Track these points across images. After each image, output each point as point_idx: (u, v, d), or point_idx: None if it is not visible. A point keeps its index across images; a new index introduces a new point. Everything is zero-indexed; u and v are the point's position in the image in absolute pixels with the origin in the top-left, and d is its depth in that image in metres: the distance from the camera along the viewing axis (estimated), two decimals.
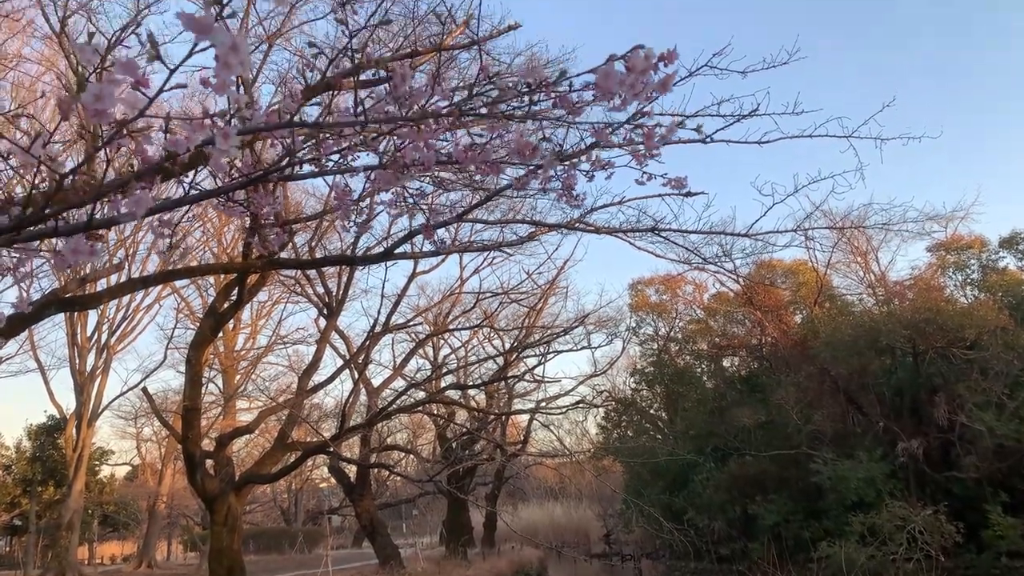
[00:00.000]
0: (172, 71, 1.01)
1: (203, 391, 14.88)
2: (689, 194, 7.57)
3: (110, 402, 23.86)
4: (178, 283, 22.06)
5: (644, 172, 2.97)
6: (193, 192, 1.93)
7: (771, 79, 6.13)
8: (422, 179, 2.92)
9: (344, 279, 16.10)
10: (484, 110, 1.78)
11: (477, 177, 3.43)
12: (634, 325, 29.17)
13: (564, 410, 23.72)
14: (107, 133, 0.93)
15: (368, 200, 3.01)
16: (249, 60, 0.92)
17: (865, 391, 19.93)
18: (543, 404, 23.29)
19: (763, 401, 22.51)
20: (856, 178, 6.82)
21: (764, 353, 25.12)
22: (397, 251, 7.70)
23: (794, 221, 8.99)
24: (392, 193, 2.93)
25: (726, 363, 27.88)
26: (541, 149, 2.17)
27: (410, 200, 3.02)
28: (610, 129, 1.90)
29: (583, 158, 2.93)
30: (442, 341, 24.76)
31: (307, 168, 2.40)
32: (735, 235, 7.42)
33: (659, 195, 7.45)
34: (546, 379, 23.52)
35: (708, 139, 2.20)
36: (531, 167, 2.82)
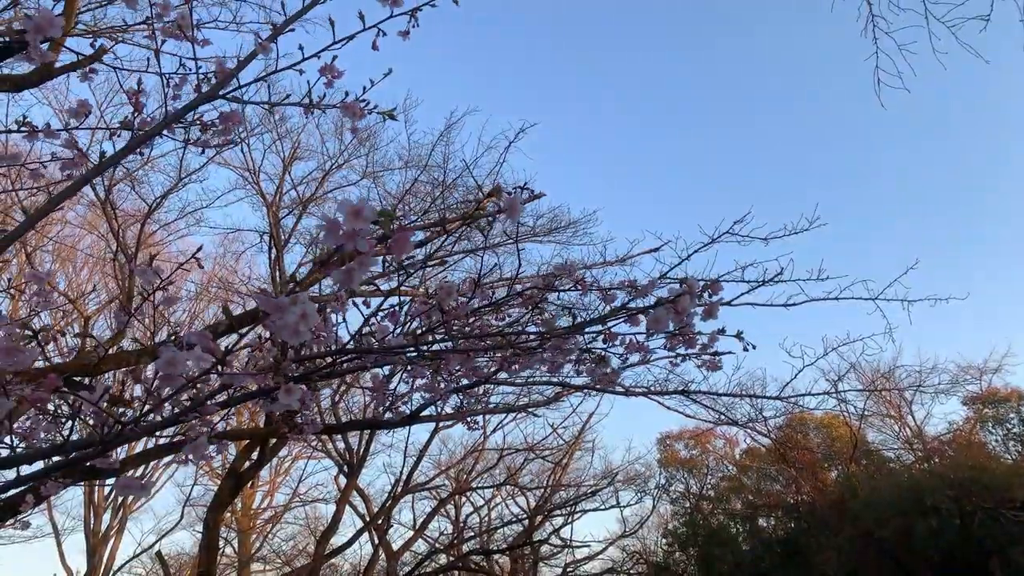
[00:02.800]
0: (227, 352, 1.03)
1: (219, 555, 14.36)
2: (716, 355, 7.47)
3: (121, 565, 23.04)
4: None
5: (678, 355, 2.97)
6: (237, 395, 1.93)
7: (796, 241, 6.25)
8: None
9: (366, 437, 15.89)
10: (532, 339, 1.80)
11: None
12: (663, 482, 28.17)
13: None
14: (167, 384, 0.95)
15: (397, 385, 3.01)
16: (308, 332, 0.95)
17: (913, 555, 18.74)
18: (571, 570, 22.14)
19: (804, 566, 21.19)
20: (886, 339, 6.77)
21: (801, 513, 23.99)
22: (422, 415, 7.63)
23: (824, 376, 8.83)
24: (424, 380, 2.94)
25: (762, 522, 26.59)
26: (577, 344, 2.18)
27: (444, 385, 3.02)
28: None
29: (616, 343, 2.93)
30: (464, 499, 23.99)
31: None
32: (767, 398, 7.29)
33: (684, 355, 7.41)
34: (574, 543, 22.43)
35: (743, 339, 2.19)
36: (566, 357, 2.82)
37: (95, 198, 11.78)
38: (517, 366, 2.70)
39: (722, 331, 1.95)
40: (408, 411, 7.43)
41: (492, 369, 2.39)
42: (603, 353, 1.81)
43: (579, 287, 1.87)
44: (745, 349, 2.63)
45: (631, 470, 23.61)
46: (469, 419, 3.42)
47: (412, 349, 1.79)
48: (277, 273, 12.17)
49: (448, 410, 9.68)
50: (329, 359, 2.03)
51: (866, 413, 20.68)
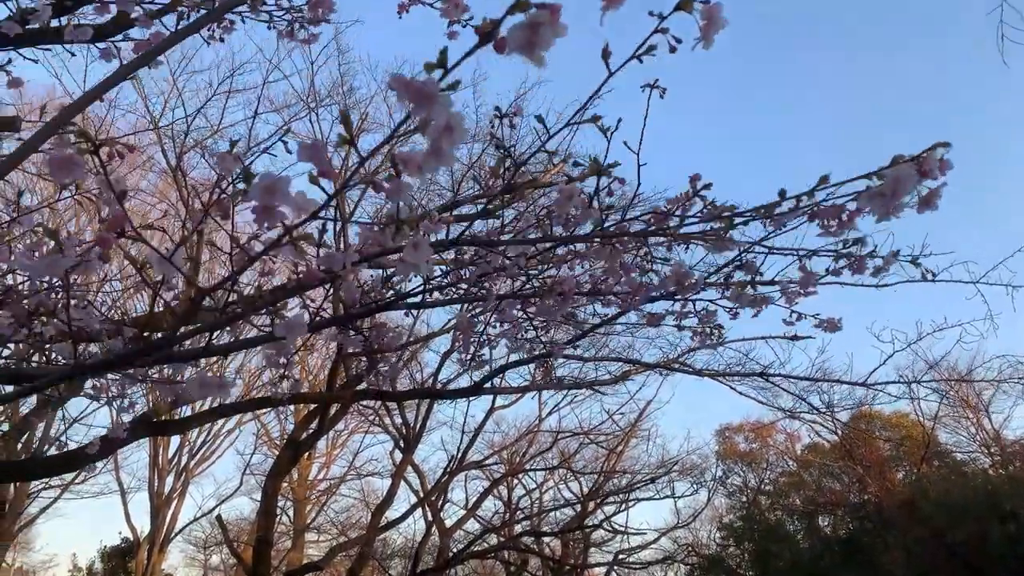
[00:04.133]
0: (362, 159, 0.81)
1: (276, 523, 14.55)
2: (796, 338, 7.01)
3: (183, 527, 23.70)
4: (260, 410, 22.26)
5: (793, 311, 2.66)
6: (319, 318, 1.72)
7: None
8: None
9: (423, 411, 15.86)
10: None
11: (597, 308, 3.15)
12: (721, 474, 27.53)
13: (645, 565, 22.13)
14: (266, 220, 0.74)
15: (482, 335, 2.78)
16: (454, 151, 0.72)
17: (989, 560, 17.86)
18: (622, 556, 21.84)
19: (867, 566, 20.43)
20: (987, 327, 6.27)
21: (867, 512, 23.14)
22: (485, 386, 7.44)
23: (898, 373, 8.32)
24: (509, 326, 2.70)
25: (822, 521, 25.76)
26: (699, 279, 1.90)
27: (529, 334, 2.78)
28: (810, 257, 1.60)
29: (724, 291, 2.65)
30: (516, 481, 23.88)
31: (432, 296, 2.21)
32: (850, 383, 6.85)
33: (763, 337, 7.06)
34: (628, 530, 22.11)
35: (919, 264, 1.88)
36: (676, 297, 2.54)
37: (167, 166, 11.95)
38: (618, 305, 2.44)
39: (896, 255, 1.64)
40: (475, 378, 7.24)
41: (606, 313, 2.13)
42: (753, 264, 1.53)
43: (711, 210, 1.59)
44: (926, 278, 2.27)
45: (688, 461, 23.11)
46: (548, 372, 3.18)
47: (555, 240, 1.54)
48: (342, 245, 12.16)
49: (513, 383, 9.49)
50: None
51: (940, 412, 19.77)
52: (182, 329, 1.17)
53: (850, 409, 8.36)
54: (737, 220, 1.18)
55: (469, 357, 2.67)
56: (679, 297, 2.57)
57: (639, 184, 1.55)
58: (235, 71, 10.98)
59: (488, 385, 7.44)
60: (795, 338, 7.22)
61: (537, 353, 2.86)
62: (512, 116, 1.56)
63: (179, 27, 1.52)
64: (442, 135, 0.69)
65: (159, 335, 1.24)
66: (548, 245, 1.43)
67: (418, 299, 2.06)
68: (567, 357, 7.56)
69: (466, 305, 2.53)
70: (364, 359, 9.57)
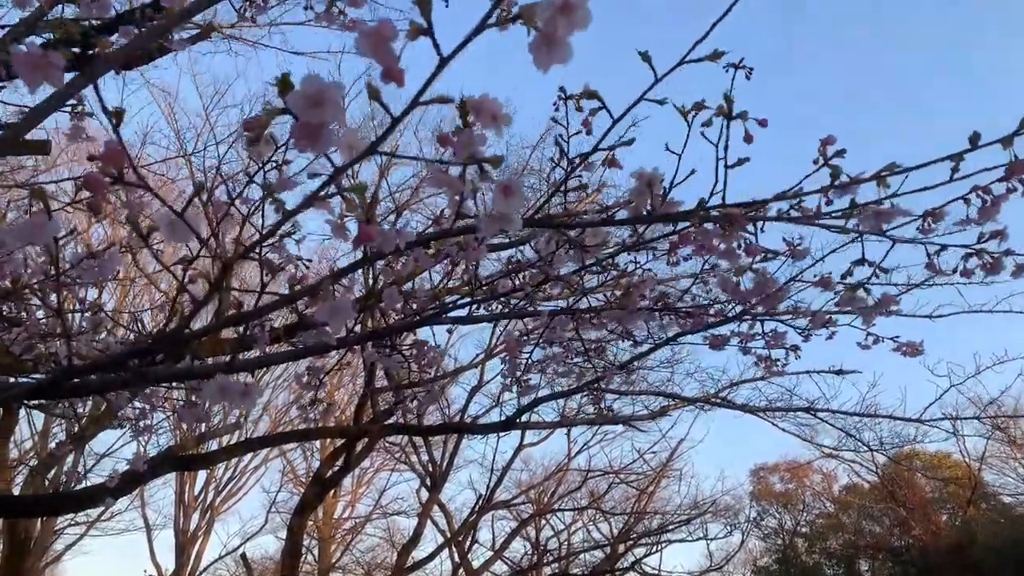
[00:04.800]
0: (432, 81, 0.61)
1: (301, 562, 14.27)
2: (842, 372, 6.66)
3: (208, 565, 23.41)
4: (286, 445, 22.09)
5: (869, 334, 2.42)
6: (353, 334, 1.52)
7: None
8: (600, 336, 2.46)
9: (450, 448, 15.54)
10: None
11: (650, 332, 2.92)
12: (755, 516, 26.69)
13: None
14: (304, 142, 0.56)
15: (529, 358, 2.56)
16: None
17: None
18: None
19: None
20: None
21: (912, 556, 22.22)
22: (518, 420, 7.19)
23: (941, 411, 7.92)
24: (560, 348, 2.48)
25: (862, 565, 24.79)
26: (786, 288, 1.67)
27: (580, 359, 2.56)
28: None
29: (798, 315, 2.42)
30: (544, 521, 23.31)
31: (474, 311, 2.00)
32: (904, 419, 6.50)
33: (808, 372, 6.75)
34: (660, 573, 21.44)
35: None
36: (746, 315, 2.31)
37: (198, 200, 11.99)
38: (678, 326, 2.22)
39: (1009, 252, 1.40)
40: (507, 413, 6.99)
41: (665, 334, 1.92)
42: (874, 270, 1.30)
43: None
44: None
45: (721, 501, 22.42)
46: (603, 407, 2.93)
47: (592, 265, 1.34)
48: (370, 280, 12.06)
49: (544, 419, 9.20)
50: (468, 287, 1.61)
51: (987, 454, 19.03)
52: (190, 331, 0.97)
53: (900, 447, 7.95)
54: (885, 193, 0.97)
55: (514, 381, 2.46)
56: (755, 315, 2.33)
57: (720, 183, 1.33)
58: (267, 102, 11.04)
59: (521, 420, 7.20)
60: (841, 372, 6.86)
61: (587, 380, 2.64)
62: (581, 98, 1.36)
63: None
64: (557, 14, 0.50)
65: (175, 341, 1.06)
66: (638, 228, 1.22)
67: (464, 312, 1.86)
68: (604, 391, 7.29)
69: (514, 322, 2.33)
70: (392, 393, 9.37)
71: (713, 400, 7.10)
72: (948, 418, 6.93)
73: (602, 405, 2.83)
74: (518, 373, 2.37)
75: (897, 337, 2.44)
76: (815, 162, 0.95)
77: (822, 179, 0.95)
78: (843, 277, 1.34)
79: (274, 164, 1.31)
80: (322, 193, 0.63)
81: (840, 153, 0.93)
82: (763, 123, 0.94)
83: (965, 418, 6.86)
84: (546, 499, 21.33)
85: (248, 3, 1.60)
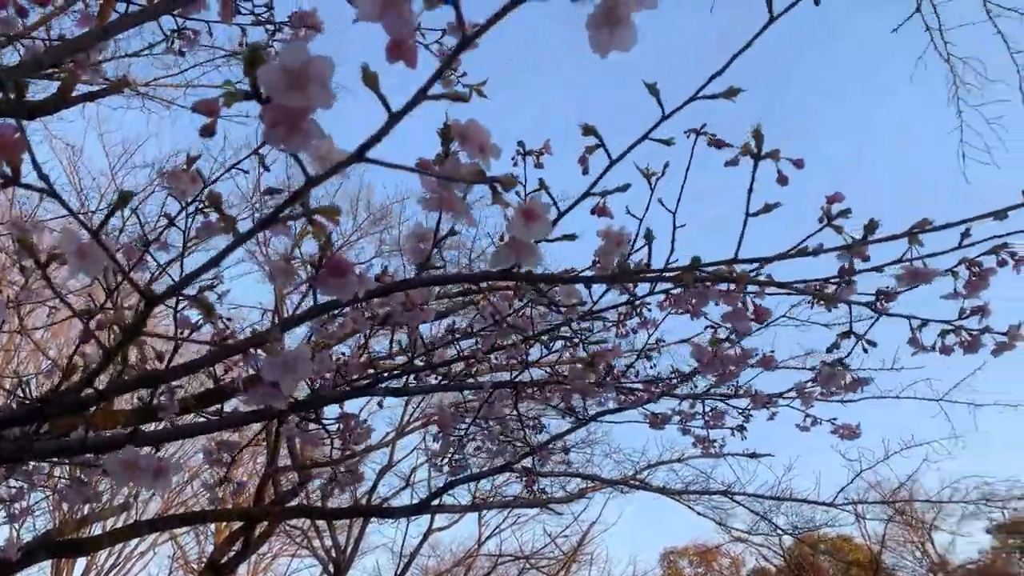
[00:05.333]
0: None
1: None
2: (756, 455, 6.72)
3: None
4: (178, 528, 20.55)
5: (808, 415, 2.40)
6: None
7: None
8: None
9: (356, 532, 14.78)
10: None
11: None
12: None
13: None
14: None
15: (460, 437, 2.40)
16: None
17: None
18: None
19: None
20: (954, 445, 6.15)
21: None
22: (434, 503, 6.89)
23: (842, 493, 8.08)
24: (497, 424, 2.34)
25: None
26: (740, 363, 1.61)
27: (513, 437, 2.41)
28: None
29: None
30: None
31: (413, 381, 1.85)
32: (818, 503, 6.57)
33: (723, 454, 6.78)
34: None
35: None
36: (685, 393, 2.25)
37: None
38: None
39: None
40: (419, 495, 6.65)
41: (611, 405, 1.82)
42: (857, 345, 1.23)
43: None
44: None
45: None
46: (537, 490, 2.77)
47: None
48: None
49: (461, 501, 8.87)
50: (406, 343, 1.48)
51: (887, 537, 19.56)
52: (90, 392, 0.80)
53: (811, 530, 8.01)
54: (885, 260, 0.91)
55: (445, 461, 2.29)
56: (696, 395, 2.27)
57: (672, 249, 1.25)
58: (179, 164, 10.58)
59: (436, 503, 6.90)
60: (755, 455, 6.92)
61: (517, 458, 2.50)
62: (540, 154, 1.28)
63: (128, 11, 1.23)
64: None
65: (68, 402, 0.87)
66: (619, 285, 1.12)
67: (400, 383, 1.71)
68: (537, 474, 7.12)
69: (441, 394, 2.18)
70: (297, 473, 8.90)
71: (631, 482, 7.02)
72: (856, 503, 7.05)
73: (535, 488, 2.67)
74: (450, 451, 2.21)
75: (835, 419, 2.42)
76: (820, 220, 0.89)
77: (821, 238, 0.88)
78: (829, 350, 1.28)
79: (199, 205, 1.16)
80: (286, 212, 0.50)
81: (845, 213, 0.88)
82: (799, 163, 0.87)
83: (873, 502, 7.00)
84: None
85: (177, 34, 1.48)
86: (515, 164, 1.28)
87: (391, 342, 1.55)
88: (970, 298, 1.02)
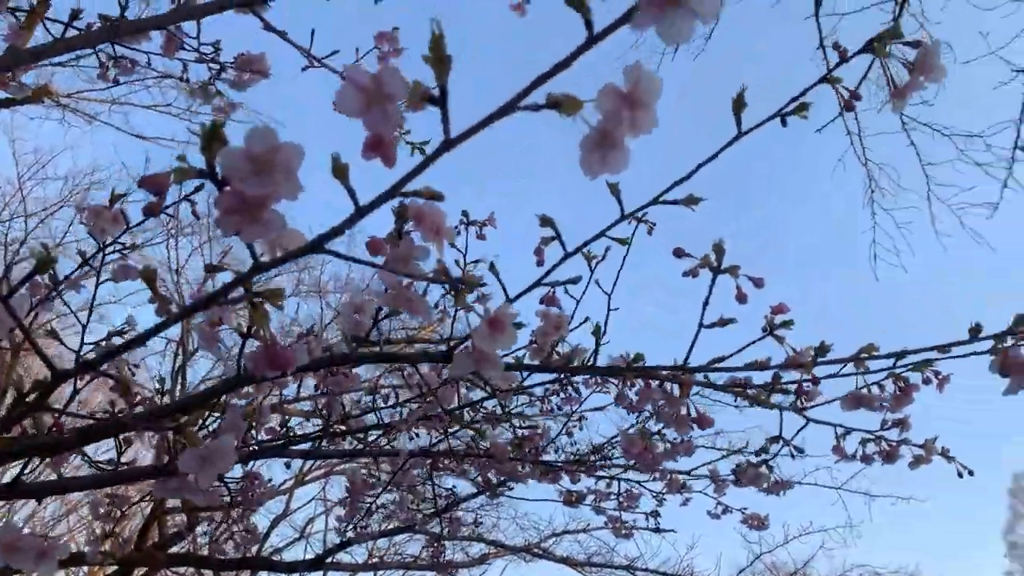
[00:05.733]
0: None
1: None
2: (660, 531, 6.75)
3: None
4: None
5: (719, 503, 2.41)
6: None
7: None
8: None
9: None
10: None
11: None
12: None
13: None
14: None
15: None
16: None
17: None
18: None
19: None
20: (852, 534, 6.34)
21: None
22: (328, 560, 6.60)
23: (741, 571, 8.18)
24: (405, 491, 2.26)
25: None
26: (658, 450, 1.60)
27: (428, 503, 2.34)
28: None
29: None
30: None
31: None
32: None
33: (627, 527, 6.79)
34: None
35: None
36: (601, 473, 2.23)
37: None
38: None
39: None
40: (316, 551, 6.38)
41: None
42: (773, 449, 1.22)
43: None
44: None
45: None
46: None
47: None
48: (179, 383, 11.04)
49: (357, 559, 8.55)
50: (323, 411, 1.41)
51: None
52: None
53: None
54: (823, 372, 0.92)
55: (350, 525, 2.19)
56: (613, 475, 2.25)
57: (604, 331, 1.25)
58: (95, 180, 10.04)
59: (331, 559, 6.62)
60: (659, 530, 6.91)
61: (429, 525, 2.42)
62: (484, 224, 1.27)
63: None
64: (621, 107, 0.38)
65: None
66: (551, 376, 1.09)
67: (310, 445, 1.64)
68: (446, 538, 6.93)
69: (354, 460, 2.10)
70: (186, 516, 8.41)
71: (535, 550, 6.91)
72: None
73: (437, 551, 2.58)
74: (357, 518, 2.12)
75: (745, 509, 2.44)
76: (763, 330, 0.89)
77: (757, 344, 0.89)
78: (757, 453, 1.29)
79: (119, 248, 1.08)
80: (230, 296, 0.46)
81: (788, 324, 0.89)
82: (759, 282, 0.87)
83: None
84: None
85: (114, 62, 1.40)
86: (458, 233, 1.26)
87: (313, 409, 1.48)
88: (894, 411, 1.05)
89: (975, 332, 0.81)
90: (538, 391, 1.76)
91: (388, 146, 0.41)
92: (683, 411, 0.93)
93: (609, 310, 1.11)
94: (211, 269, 0.60)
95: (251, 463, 1.66)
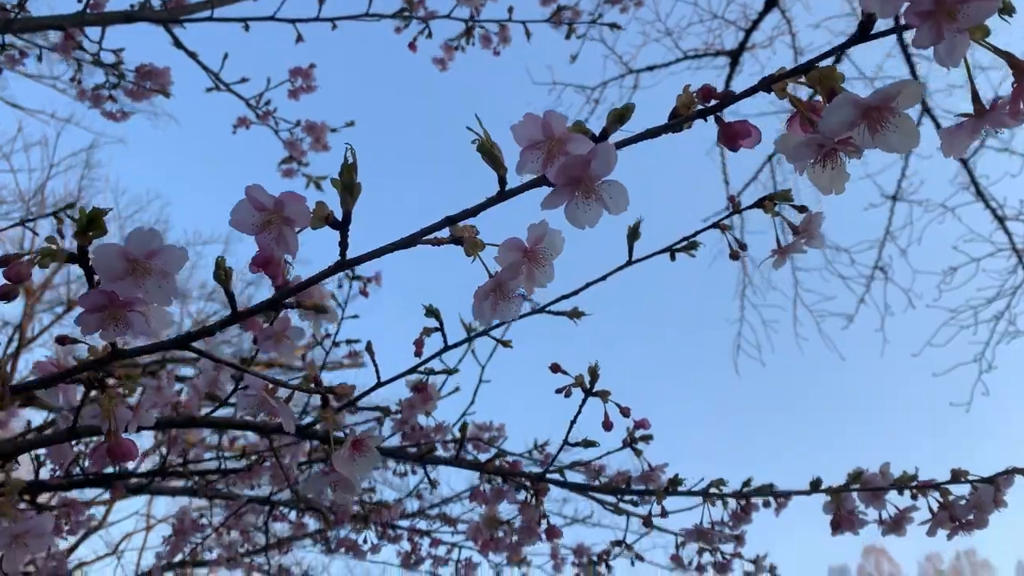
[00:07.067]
0: None
1: None
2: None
3: None
4: None
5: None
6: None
7: None
8: None
9: None
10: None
11: None
12: None
13: None
14: None
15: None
16: None
17: None
18: None
19: None
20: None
21: None
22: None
23: None
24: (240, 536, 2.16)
25: None
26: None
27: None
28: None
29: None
30: None
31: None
32: None
33: None
34: None
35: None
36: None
37: None
38: None
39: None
40: None
41: None
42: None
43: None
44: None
45: None
46: None
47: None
48: (9, 369, 10.05)
49: None
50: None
51: None
52: None
53: None
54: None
55: (170, 565, 2.07)
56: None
57: (471, 408, 1.29)
58: None
59: None
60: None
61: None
62: (367, 282, 1.27)
63: None
64: (521, 260, 0.40)
65: None
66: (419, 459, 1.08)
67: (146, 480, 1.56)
68: None
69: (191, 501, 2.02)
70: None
71: None
72: None
73: None
74: (179, 556, 2.00)
75: None
76: (624, 441, 0.94)
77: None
78: (600, 558, 1.33)
79: None
80: (78, 376, 0.44)
81: (647, 438, 0.94)
82: (626, 411, 0.91)
83: None
84: None
85: (1, 49, 1.29)
86: (340, 286, 1.26)
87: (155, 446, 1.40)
88: (734, 529, 1.13)
89: (815, 485, 0.89)
90: (398, 468, 1.76)
91: (276, 265, 0.41)
92: (536, 519, 0.96)
93: (566, 442, 1.13)
94: (64, 341, 0.57)
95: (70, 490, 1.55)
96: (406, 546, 2.16)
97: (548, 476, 0.93)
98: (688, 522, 1.12)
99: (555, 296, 0.84)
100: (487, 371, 1.24)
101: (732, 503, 1.08)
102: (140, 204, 10.45)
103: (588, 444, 0.92)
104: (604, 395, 0.89)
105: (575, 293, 0.78)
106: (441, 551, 2.29)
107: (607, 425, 0.90)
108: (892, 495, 0.92)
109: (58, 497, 1.59)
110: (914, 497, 0.90)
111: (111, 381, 0.48)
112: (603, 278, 0.78)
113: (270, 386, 0.55)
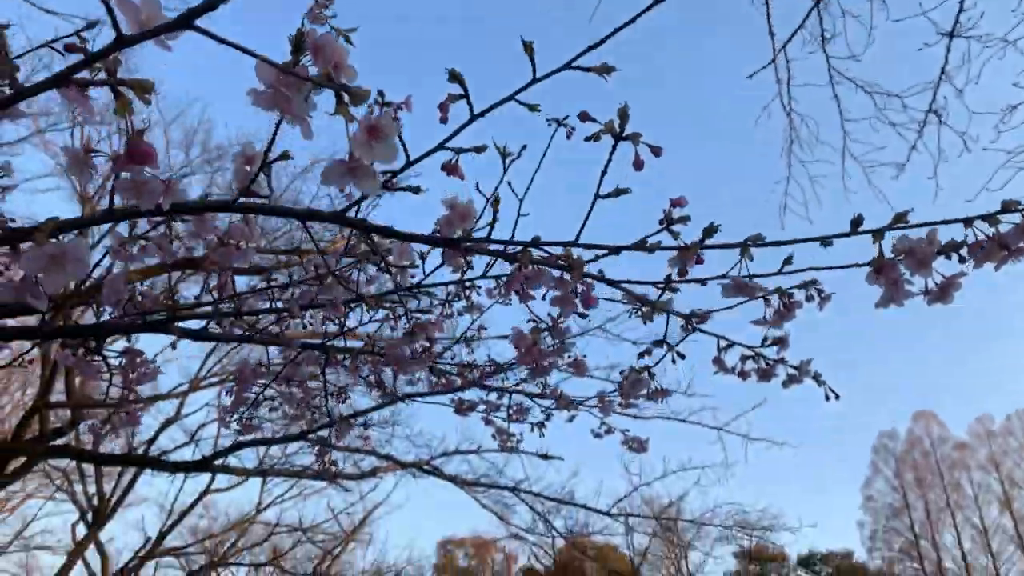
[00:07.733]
0: None
1: None
2: (547, 457, 7.03)
3: None
4: None
5: (604, 423, 2.51)
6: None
7: None
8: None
9: (125, 482, 13.72)
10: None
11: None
12: None
13: None
14: None
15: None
16: None
17: None
18: None
19: None
20: (727, 473, 6.75)
21: None
22: (216, 462, 6.57)
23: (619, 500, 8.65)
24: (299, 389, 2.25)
25: None
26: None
27: (320, 403, 2.33)
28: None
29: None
30: (216, 575, 21.26)
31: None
32: (596, 511, 6.94)
33: (518, 451, 7.02)
34: None
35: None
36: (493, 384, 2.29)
37: None
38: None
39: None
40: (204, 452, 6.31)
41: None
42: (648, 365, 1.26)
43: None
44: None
45: (404, 572, 22.17)
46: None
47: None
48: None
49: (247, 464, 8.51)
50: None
51: (649, 551, 21.04)
52: None
53: (584, 535, 8.44)
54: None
55: (235, 417, 2.17)
56: (503, 388, 2.31)
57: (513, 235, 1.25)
58: None
59: (219, 462, 6.57)
60: (546, 457, 7.19)
61: (314, 428, 2.42)
62: (398, 108, 1.24)
63: None
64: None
65: None
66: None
67: (199, 324, 1.61)
68: (330, 447, 6.97)
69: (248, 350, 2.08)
70: (70, 410, 8.15)
71: (425, 467, 7.06)
72: (629, 515, 7.53)
73: (326, 459, 2.59)
74: (242, 409, 2.10)
75: (627, 431, 2.54)
76: (660, 222, 0.91)
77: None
78: (641, 355, 1.32)
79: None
80: (87, 76, 0.43)
81: (685, 219, 0.91)
82: (657, 151, 0.88)
83: (644, 516, 7.51)
84: (223, 551, 19.52)
85: None
86: (370, 112, 1.23)
87: (202, 290, 1.44)
88: (774, 327, 1.10)
89: (856, 223, 0.86)
90: (439, 293, 1.76)
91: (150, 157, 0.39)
92: (569, 293, 0.96)
93: (519, 215, 1.09)
94: (70, 49, 0.55)
95: (131, 337, 1.61)
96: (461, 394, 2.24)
97: (585, 266, 0.92)
98: (726, 328, 1.11)
99: (581, 50, 0.78)
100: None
101: (775, 300, 1.06)
102: (181, 107, 10.42)
103: (619, 192, 0.89)
104: (635, 138, 0.85)
105: (599, 44, 0.73)
106: (492, 396, 2.36)
107: (638, 164, 0.86)
108: (940, 261, 0.88)
109: (121, 345, 1.67)
110: (962, 261, 0.87)
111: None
112: (631, 21, 0.73)
113: (283, 77, 0.52)
